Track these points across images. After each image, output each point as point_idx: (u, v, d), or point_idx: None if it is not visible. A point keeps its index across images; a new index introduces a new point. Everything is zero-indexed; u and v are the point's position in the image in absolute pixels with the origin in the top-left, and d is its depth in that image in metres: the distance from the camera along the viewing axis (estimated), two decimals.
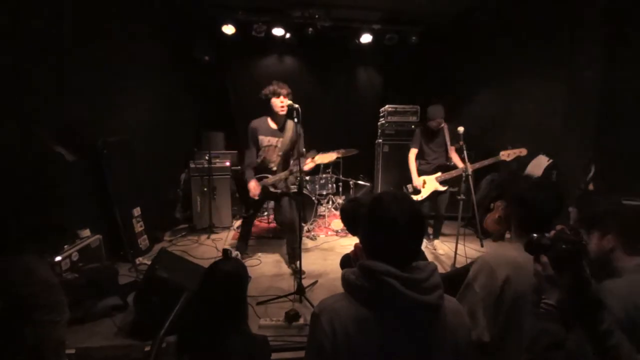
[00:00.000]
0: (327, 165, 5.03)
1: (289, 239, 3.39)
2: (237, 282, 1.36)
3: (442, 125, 3.68)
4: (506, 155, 3.17)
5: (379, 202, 0.98)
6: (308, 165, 3.12)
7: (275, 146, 3.27)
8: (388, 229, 0.93)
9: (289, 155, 3.42)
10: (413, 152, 3.90)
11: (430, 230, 4.10)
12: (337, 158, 3.32)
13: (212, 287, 1.33)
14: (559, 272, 1.07)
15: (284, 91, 3.09)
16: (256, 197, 3.21)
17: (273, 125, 3.25)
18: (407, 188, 3.90)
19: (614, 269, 1.41)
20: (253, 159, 3.29)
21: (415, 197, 3.79)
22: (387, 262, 0.91)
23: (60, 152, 2.03)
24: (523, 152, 3.18)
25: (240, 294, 1.37)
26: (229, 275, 1.35)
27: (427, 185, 3.71)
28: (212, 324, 1.29)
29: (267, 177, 3.27)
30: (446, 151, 3.74)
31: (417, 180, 3.79)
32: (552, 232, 1.16)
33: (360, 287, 0.93)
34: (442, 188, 3.62)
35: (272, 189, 3.28)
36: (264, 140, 3.24)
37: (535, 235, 1.13)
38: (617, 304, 1.18)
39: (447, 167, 3.65)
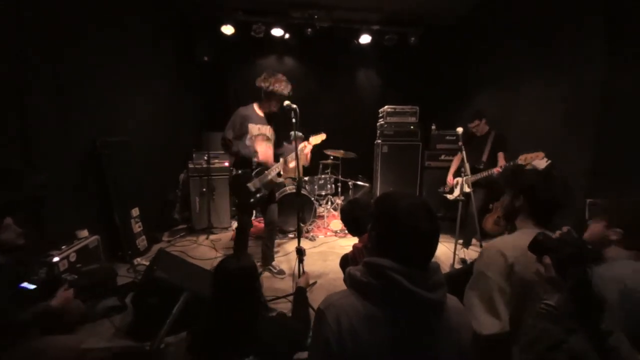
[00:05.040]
0: (326, 166, 5.04)
1: (268, 238, 3.37)
2: (244, 274, 1.37)
3: (476, 129, 3.71)
4: (523, 159, 3.11)
5: (393, 204, 0.98)
6: (307, 148, 3.13)
7: (266, 135, 3.13)
8: (407, 235, 0.94)
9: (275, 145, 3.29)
10: (459, 154, 3.84)
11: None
12: (323, 140, 3.30)
13: (224, 284, 1.34)
14: (561, 273, 1.07)
15: (287, 95, 2.97)
16: (269, 158, 3.09)
17: (261, 114, 3.10)
18: (443, 188, 3.99)
19: (600, 258, 1.42)
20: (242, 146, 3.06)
21: (448, 197, 3.87)
22: (400, 263, 0.92)
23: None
24: (540, 155, 3.08)
25: (252, 284, 1.38)
26: (236, 270, 1.36)
27: (459, 185, 3.69)
28: (233, 319, 1.30)
29: (265, 170, 3.09)
30: (481, 156, 3.64)
31: (449, 178, 3.92)
32: (558, 233, 1.16)
33: (365, 284, 0.94)
34: (467, 190, 3.39)
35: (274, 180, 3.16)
36: (254, 128, 3.04)
37: (541, 235, 1.13)
38: (610, 286, 1.19)
39: (477, 170, 3.54)
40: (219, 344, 1.27)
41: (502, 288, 1.24)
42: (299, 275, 2.47)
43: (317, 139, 3.23)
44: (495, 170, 3.39)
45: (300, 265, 2.56)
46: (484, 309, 1.25)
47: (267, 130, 3.14)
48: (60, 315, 1.89)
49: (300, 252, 2.53)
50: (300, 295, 1.94)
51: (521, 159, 3.11)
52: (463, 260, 3.53)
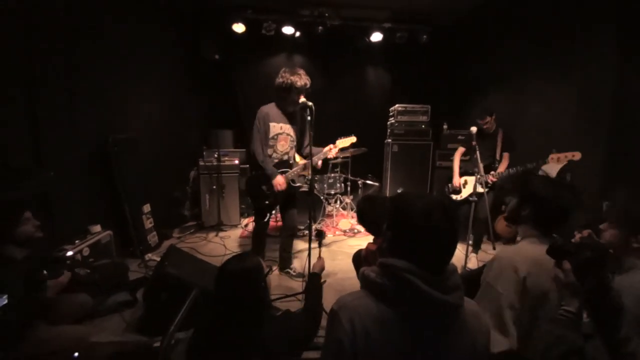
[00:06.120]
0: (335, 165, 5.02)
1: (286, 243, 3.25)
2: (248, 276, 1.34)
3: (487, 125, 3.46)
4: (556, 159, 2.87)
5: (409, 204, 0.96)
6: (332, 151, 3.01)
7: (288, 134, 3.02)
8: (423, 236, 0.91)
9: (298, 146, 3.19)
10: (459, 151, 3.78)
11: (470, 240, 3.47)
12: (353, 144, 3.17)
13: (227, 284, 1.32)
14: (580, 278, 1.04)
15: (307, 88, 2.91)
16: (283, 189, 2.93)
17: (281, 112, 3.01)
18: (448, 187, 3.79)
19: (621, 264, 1.37)
20: (265, 151, 2.99)
21: (454, 197, 3.68)
22: (416, 264, 0.90)
23: None
24: (577, 155, 2.81)
25: (256, 285, 1.34)
26: (238, 271, 1.34)
27: (468, 186, 3.57)
28: (236, 320, 1.27)
29: (286, 172, 3.02)
30: (495, 154, 3.50)
31: (456, 179, 3.68)
32: (578, 236, 1.13)
33: (380, 285, 0.92)
34: (480, 190, 3.24)
35: (291, 184, 3.06)
36: (276, 127, 2.96)
37: (559, 239, 1.10)
38: (633, 299, 1.16)
39: (490, 169, 3.40)
40: (221, 345, 1.25)
41: (513, 304, 1.20)
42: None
43: (346, 141, 3.09)
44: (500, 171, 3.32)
45: (319, 248, 2.35)
46: (493, 325, 1.22)
47: (290, 129, 3.03)
48: (50, 305, 1.88)
49: (320, 235, 2.36)
50: (313, 282, 1.81)
51: (553, 159, 2.89)
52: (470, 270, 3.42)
